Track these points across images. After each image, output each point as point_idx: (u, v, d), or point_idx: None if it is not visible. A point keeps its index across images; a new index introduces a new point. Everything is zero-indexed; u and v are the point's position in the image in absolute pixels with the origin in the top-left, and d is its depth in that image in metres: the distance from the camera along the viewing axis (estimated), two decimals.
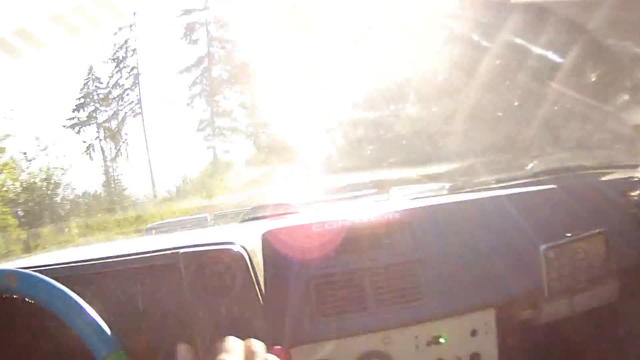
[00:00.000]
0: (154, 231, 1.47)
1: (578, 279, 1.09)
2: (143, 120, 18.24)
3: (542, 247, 1.07)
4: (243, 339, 0.93)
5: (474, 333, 1.09)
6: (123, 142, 18.50)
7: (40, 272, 0.88)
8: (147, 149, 17.68)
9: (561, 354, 1.21)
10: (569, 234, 1.08)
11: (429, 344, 1.08)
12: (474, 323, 1.09)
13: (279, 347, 0.91)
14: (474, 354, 1.09)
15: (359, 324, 1.05)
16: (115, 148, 18.39)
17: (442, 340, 1.08)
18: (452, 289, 1.08)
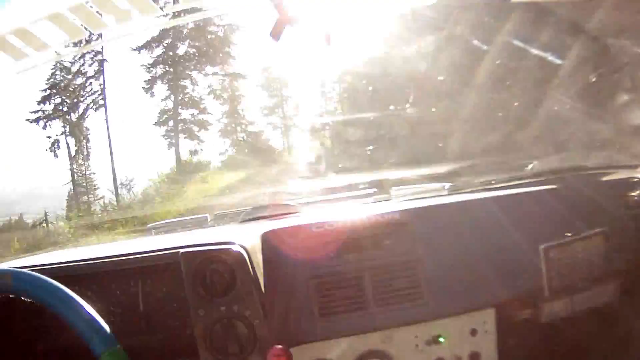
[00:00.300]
0: (154, 231, 1.46)
1: (578, 279, 1.10)
2: (106, 112, 16.06)
3: (542, 246, 1.07)
4: (242, 338, 0.94)
5: (473, 332, 1.09)
6: (84, 139, 16.15)
7: (41, 271, 0.88)
8: (110, 145, 16.13)
9: (561, 353, 1.21)
10: (568, 234, 1.09)
11: (428, 343, 1.08)
12: (473, 322, 1.09)
13: (279, 346, 0.91)
14: (473, 353, 1.09)
15: (359, 324, 1.05)
16: (80, 144, 16.15)
17: (441, 339, 1.08)
18: (452, 289, 1.08)
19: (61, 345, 0.98)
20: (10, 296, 0.86)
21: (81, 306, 0.82)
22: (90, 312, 0.82)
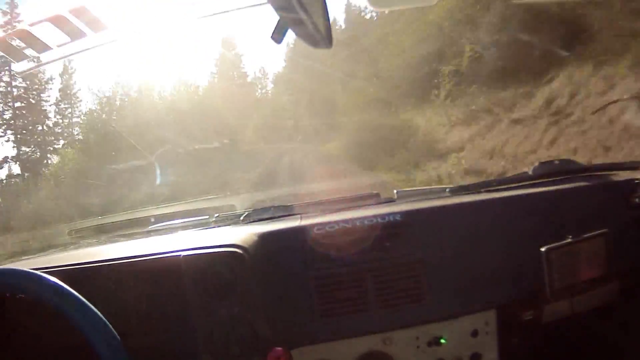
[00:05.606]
0: (154, 233, 1.46)
1: (579, 280, 1.09)
2: None
3: (544, 248, 1.07)
4: (244, 340, 0.94)
5: (475, 334, 1.09)
6: None
7: (43, 273, 0.89)
8: None
9: (562, 354, 1.21)
10: (570, 236, 1.08)
11: (429, 344, 1.08)
12: (475, 324, 1.09)
13: (279, 348, 0.91)
14: (474, 354, 1.09)
15: (360, 325, 1.05)
16: None
17: (443, 340, 1.08)
18: (454, 290, 1.08)
19: (64, 346, 0.98)
20: (19, 296, 0.87)
21: (94, 313, 0.83)
22: (102, 320, 0.82)
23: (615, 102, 4.84)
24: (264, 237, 1.11)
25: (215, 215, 1.47)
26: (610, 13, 5.67)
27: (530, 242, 1.09)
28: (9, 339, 1.01)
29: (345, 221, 1.13)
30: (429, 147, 8.80)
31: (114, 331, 0.82)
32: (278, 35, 0.54)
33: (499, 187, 1.31)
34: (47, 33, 1.35)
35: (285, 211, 1.34)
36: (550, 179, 1.31)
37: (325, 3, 0.61)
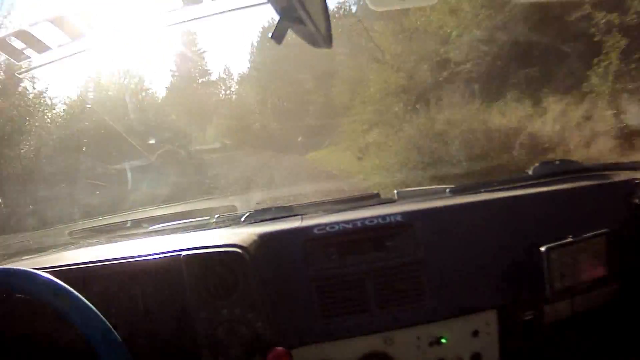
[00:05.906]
0: (155, 233, 1.45)
1: (580, 280, 1.09)
2: None
3: (544, 248, 1.07)
4: (245, 340, 0.94)
5: (475, 334, 1.09)
6: None
7: (43, 273, 0.89)
8: None
9: (562, 354, 1.20)
10: (570, 235, 1.09)
11: (430, 344, 1.08)
12: (475, 324, 1.09)
13: (280, 348, 0.91)
14: (475, 354, 1.09)
15: (360, 326, 1.05)
16: None
17: (443, 340, 1.08)
18: (455, 290, 1.08)
19: (62, 346, 0.98)
20: (18, 296, 0.87)
21: (93, 313, 0.83)
22: (101, 320, 0.82)
23: None
24: (265, 238, 1.11)
25: (216, 215, 1.47)
26: None
27: (530, 242, 1.09)
28: (9, 339, 1.01)
29: (346, 221, 1.13)
30: None
31: (114, 331, 0.82)
32: (279, 34, 0.54)
33: (499, 187, 1.31)
34: (47, 33, 1.34)
35: (286, 212, 1.34)
36: (550, 179, 1.31)
37: (325, 3, 0.62)
